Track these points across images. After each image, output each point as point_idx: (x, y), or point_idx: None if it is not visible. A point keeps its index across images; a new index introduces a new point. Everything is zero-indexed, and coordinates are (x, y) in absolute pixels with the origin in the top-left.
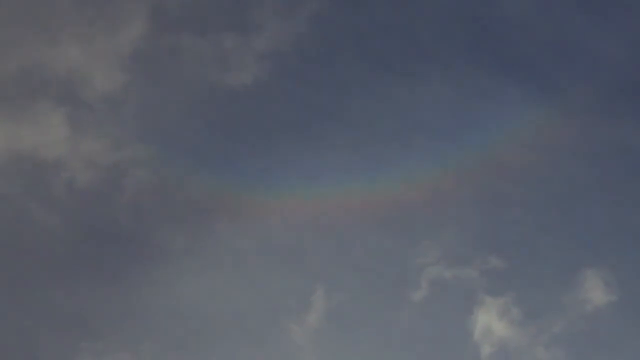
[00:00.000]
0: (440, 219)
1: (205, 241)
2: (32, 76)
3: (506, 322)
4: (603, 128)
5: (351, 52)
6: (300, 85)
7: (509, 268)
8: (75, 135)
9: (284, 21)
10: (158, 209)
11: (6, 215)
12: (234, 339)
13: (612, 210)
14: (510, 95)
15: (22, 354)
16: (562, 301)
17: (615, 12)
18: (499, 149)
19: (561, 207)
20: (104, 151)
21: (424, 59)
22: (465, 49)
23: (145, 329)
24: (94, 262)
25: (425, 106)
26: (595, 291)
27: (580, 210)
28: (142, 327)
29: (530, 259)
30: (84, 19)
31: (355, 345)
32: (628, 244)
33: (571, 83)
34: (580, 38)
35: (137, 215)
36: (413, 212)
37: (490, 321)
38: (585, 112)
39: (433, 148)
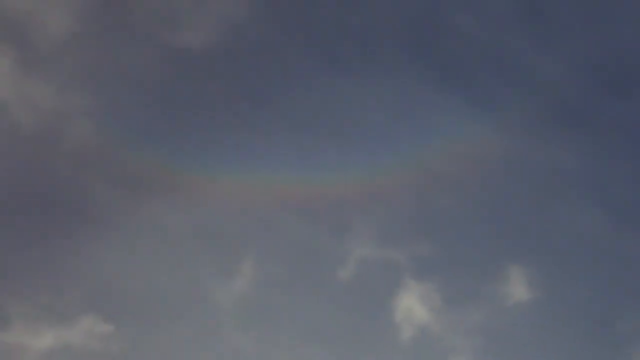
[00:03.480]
0: (371, 207)
1: (137, 210)
2: None
3: (427, 307)
4: (532, 148)
5: (301, 40)
6: (248, 64)
7: (436, 255)
8: (20, 78)
9: None
10: (96, 167)
11: None
12: (152, 304)
13: (539, 216)
14: (449, 106)
15: None
16: (483, 293)
17: (557, 35)
18: (431, 155)
19: (489, 208)
20: (49, 96)
21: (370, 60)
22: (411, 56)
23: (63, 282)
24: (25, 208)
25: (365, 106)
26: (517, 287)
27: (509, 213)
28: (60, 278)
29: (458, 249)
30: None
31: (280, 312)
32: (555, 247)
33: (509, 102)
34: (522, 58)
35: (75, 169)
36: (345, 201)
37: (412, 305)
38: (517, 130)
39: (369, 147)
